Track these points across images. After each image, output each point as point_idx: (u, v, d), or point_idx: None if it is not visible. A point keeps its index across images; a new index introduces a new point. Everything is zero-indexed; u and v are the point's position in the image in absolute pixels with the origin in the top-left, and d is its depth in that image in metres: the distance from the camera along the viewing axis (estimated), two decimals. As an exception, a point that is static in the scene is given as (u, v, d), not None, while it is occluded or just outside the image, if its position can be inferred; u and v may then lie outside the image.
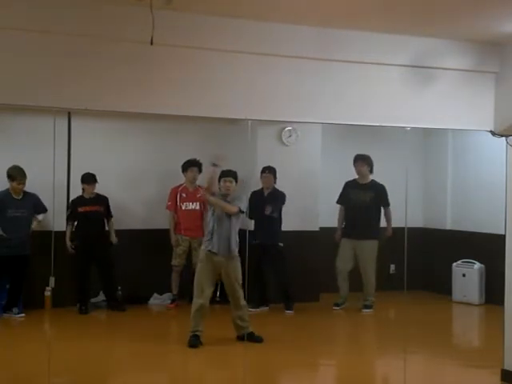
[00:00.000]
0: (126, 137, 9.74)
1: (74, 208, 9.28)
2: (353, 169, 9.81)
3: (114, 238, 9.42)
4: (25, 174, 8.78)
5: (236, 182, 7.72)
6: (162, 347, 7.53)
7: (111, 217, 9.47)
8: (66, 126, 9.36)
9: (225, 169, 7.72)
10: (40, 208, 8.94)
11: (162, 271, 9.55)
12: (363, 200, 9.61)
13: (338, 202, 9.84)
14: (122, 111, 6.30)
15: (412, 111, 6.29)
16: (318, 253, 9.80)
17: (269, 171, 9.39)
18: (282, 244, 9.30)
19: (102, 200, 9.41)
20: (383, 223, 9.78)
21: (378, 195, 9.66)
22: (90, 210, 9.28)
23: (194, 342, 7.35)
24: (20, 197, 8.85)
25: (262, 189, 9.49)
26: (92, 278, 9.28)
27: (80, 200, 9.31)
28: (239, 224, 7.70)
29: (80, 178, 9.27)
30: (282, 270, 9.31)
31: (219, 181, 7.68)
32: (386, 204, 9.69)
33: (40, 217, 8.99)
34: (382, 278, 10.40)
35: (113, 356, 7.42)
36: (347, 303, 9.66)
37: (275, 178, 9.42)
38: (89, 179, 9.24)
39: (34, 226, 8.95)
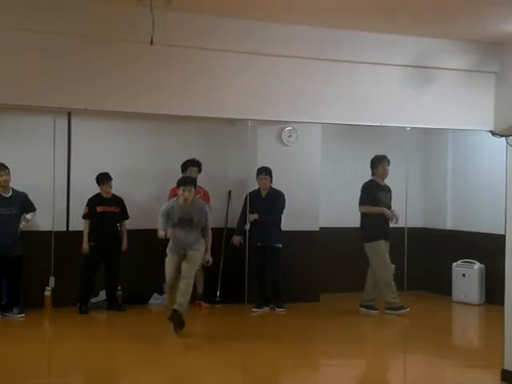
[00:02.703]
0: (126, 137, 9.72)
1: (92, 206, 9.15)
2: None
3: (124, 245, 9.34)
4: (5, 166, 8.60)
5: (195, 188, 7.98)
6: (161, 347, 7.53)
7: (127, 218, 9.38)
8: (66, 126, 9.36)
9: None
10: (29, 207, 8.78)
11: (162, 271, 9.53)
12: (388, 202, 9.26)
13: (363, 203, 9.17)
14: (121, 111, 6.31)
15: (412, 111, 6.30)
16: (318, 253, 9.80)
17: (266, 172, 9.33)
18: (280, 245, 9.30)
19: (119, 201, 9.34)
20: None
21: (391, 197, 9.39)
22: (108, 211, 9.19)
23: (173, 315, 7.81)
24: (8, 195, 8.68)
25: (259, 189, 9.46)
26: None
27: (99, 199, 9.19)
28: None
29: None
30: (278, 269, 9.32)
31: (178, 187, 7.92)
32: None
33: (29, 216, 8.79)
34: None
35: (113, 356, 7.41)
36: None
37: (271, 178, 9.40)
38: (104, 178, 9.14)
39: (23, 225, 8.74)
